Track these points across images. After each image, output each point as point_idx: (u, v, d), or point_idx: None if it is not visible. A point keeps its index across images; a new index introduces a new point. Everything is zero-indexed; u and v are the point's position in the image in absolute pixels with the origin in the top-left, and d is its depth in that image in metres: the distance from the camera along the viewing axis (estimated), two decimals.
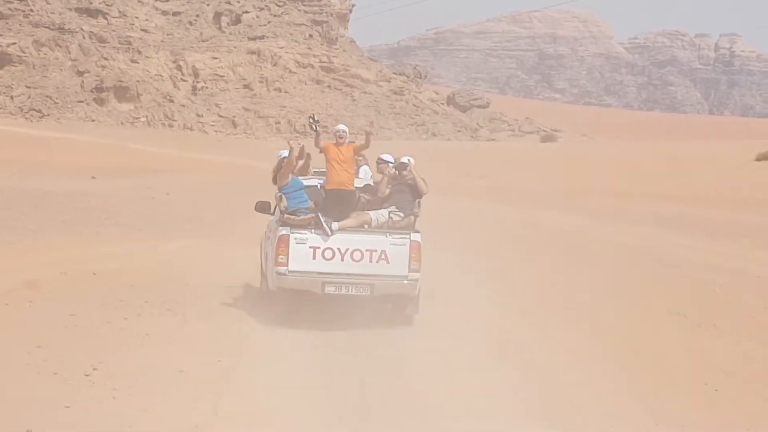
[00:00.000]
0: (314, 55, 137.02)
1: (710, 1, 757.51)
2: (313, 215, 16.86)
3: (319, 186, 17.96)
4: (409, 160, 17.95)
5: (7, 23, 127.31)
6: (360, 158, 19.03)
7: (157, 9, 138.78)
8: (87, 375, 12.49)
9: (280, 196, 17.20)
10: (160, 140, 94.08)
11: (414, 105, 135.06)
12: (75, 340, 14.43)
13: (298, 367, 14.24)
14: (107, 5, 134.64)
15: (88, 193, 39.44)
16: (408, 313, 17.34)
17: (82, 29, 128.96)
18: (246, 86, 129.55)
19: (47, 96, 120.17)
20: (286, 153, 17.41)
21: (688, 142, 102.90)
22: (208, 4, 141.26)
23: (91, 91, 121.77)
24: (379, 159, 18.16)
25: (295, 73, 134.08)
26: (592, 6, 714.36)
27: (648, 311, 18.68)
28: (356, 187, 17.79)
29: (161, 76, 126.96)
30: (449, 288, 19.92)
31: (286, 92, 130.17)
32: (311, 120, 17.90)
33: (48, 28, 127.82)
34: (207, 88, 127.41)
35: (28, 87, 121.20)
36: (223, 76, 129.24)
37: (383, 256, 16.75)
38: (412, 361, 14.78)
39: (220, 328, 16.21)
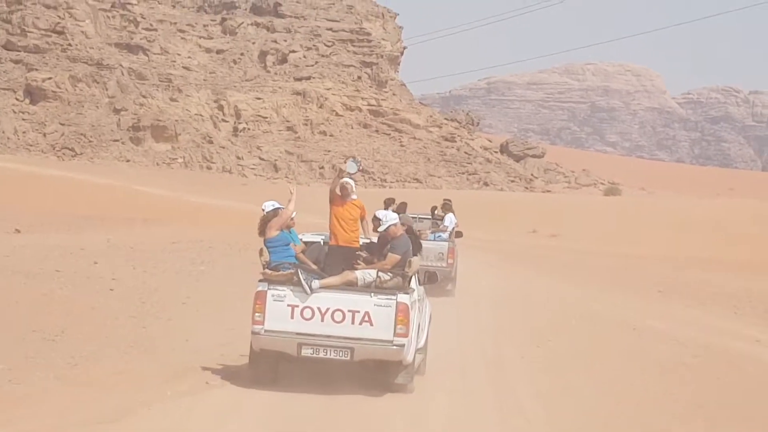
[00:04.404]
0: (362, 98, 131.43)
1: (765, 58, 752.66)
2: (294, 271, 15.80)
3: (322, 242, 17.19)
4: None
5: (43, 57, 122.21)
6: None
7: (200, 47, 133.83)
8: None
9: (262, 249, 16.33)
10: (180, 183, 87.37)
11: (466, 152, 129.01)
12: None
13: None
14: (149, 41, 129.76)
15: None
16: (400, 381, 15.97)
17: (121, 65, 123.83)
18: (290, 128, 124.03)
19: (81, 134, 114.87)
20: (272, 205, 16.55)
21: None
22: (253, 43, 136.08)
23: (128, 130, 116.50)
24: (375, 217, 17.20)
25: (341, 116, 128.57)
26: (645, 60, 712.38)
27: None
28: (361, 246, 17.05)
29: (201, 115, 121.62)
30: None
31: (331, 136, 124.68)
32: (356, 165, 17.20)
33: (86, 63, 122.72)
34: (249, 129, 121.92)
35: (62, 124, 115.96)
36: (266, 118, 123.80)
37: (366, 318, 15.61)
38: None
39: None
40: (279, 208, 16.50)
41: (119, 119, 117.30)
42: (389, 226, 16.52)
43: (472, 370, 18.46)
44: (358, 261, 16.55)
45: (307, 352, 15.73)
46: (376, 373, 16.17)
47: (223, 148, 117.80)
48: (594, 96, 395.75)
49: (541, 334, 22.39)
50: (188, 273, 30.07)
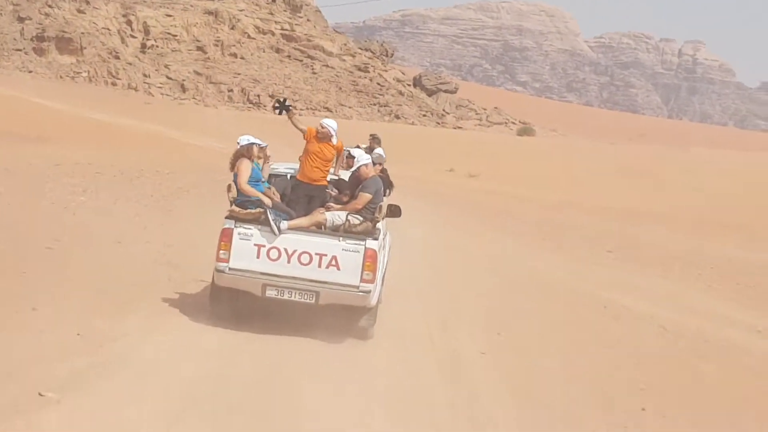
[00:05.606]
0: (276, 22, 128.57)
1: (677, 5, 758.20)
2: (263, 210, 15.41)
3: (289, 176, 16.85)
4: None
5: None
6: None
7: None
8: None
9: (230, 185, 15.68)
10: (82, 98, 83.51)
11: (378, 84, 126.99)
12: None
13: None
14: None
15: None
16: (362, 325, 15.86)
17: None
18: (200, 48, 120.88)
19: None
20: (247, 140, 15.84)
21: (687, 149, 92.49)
22: None
23: (31, 40, 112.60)
24: (349, 154, 17.06)
25: (253, 38, 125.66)
26: (560, 1, 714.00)
27: None
28: (328, 182, 16.68)
29: (108, 29, 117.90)
30: None
31: (242, 58, 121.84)
32: (278, 105, 16.99)
33: None
34: (157, 47, 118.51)
35: None
36: (175, 36, 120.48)
37: (333, 262, 15.35)
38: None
39: None
40: (254, 143, 15.85)
41: (23, 28, 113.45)
42: (360, 166, 16.24)
43: (423, 378, 13.98)
44: (330, 203, 16.22)
45: (271, 293, 15.41)
46: (339, 316, 15.67)
47: (130, 64, 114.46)
48: (507, 35, 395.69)
49: (498, 316, 18.34)
50: (64, 204, 24.91)
